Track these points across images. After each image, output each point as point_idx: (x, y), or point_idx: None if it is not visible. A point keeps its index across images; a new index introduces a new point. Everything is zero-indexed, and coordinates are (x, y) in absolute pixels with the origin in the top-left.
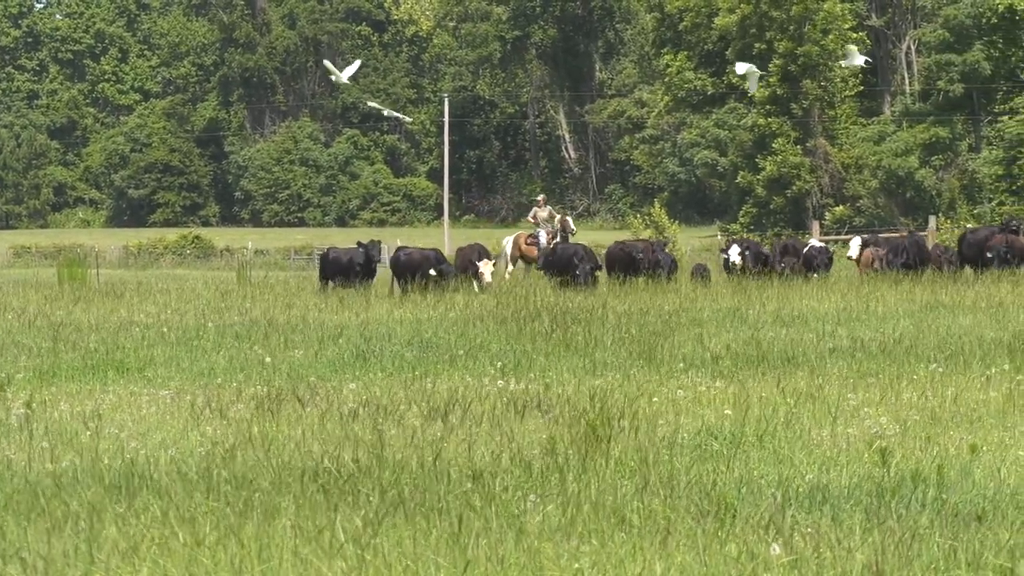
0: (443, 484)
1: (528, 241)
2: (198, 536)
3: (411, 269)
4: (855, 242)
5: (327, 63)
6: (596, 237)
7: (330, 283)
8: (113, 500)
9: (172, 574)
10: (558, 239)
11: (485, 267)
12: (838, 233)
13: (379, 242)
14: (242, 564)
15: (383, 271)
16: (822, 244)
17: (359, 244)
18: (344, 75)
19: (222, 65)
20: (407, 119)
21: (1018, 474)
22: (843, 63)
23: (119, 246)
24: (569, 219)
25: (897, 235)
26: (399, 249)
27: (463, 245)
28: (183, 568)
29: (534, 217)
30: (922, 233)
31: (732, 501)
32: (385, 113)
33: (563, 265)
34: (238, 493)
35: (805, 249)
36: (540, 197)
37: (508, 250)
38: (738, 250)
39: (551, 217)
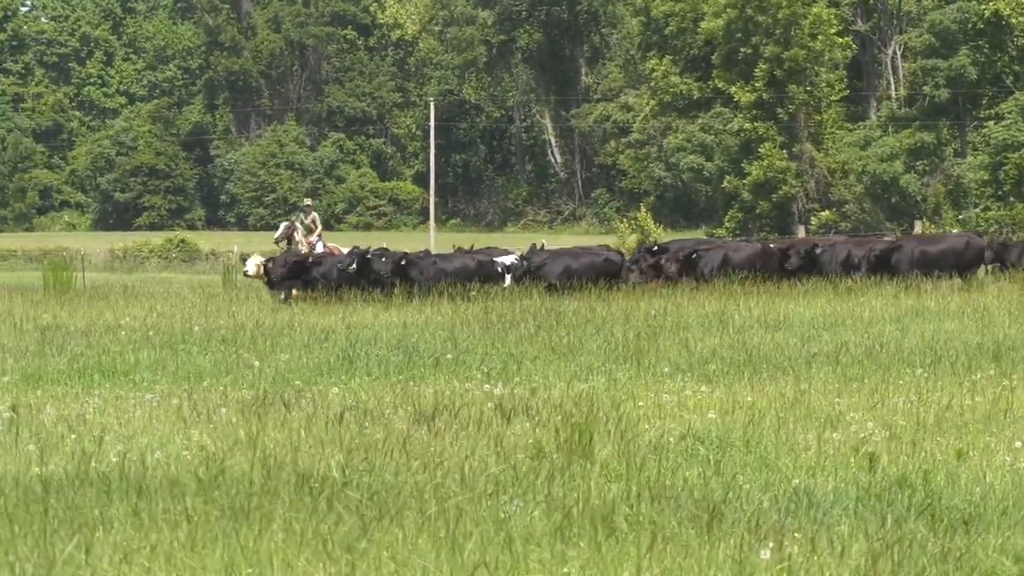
0: (431, 488)
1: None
2: (189, 540)
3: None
4: (252, 260)
5: None
6: (581, 242)
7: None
8: (103, 504)
9: None
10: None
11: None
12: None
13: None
14: (232, 568)
15: None
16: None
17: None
18: None
19: (207, 68)
20: None
21: (1004, 479)
22: None
23: (105, 249)
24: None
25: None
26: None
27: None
28: (174, 573)
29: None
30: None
31: (719, 506)
32: None
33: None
34: (228, 497)
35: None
36: (308, 202)
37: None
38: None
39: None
